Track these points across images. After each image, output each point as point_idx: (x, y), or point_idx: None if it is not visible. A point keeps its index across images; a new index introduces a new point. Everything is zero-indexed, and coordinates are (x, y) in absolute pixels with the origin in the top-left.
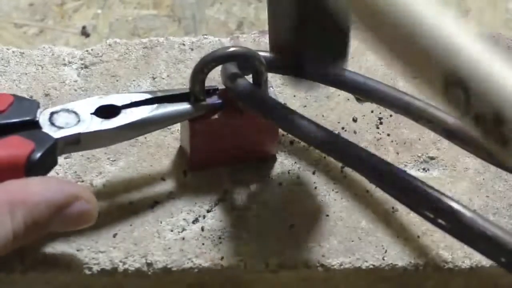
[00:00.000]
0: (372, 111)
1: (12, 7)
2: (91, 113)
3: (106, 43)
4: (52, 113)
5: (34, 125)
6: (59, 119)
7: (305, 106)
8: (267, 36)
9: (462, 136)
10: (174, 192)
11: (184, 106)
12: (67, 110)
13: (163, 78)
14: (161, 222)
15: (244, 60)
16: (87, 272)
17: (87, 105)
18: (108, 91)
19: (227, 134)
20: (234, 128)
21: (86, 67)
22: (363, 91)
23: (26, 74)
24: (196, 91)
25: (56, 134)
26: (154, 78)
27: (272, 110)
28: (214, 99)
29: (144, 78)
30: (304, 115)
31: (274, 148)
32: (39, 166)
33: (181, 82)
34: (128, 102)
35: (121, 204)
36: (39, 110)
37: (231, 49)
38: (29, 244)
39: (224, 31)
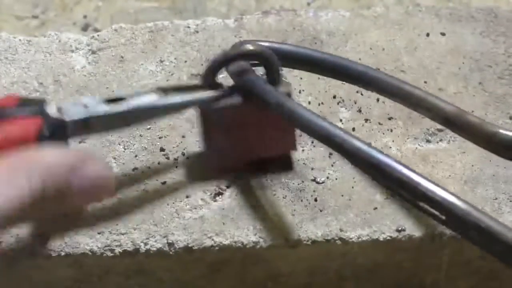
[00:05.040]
0: None
1: (13, 0)
2: (99, 103)
3: (112, 28)
4: (59, 106)
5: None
6: (67, 108)
7: (310, 83)
8: (270, 17)
9: (460, 124)
10: (190, 173)
11: (194, 93)
12: (74, 104)
13: (171, 61)
14: (180, 202)
15: (257, 58)
16: (109, 254)
17: (94, 99)
18: (117, 75)
19: (241, 124)
20: (247, 118)
21: (93, 52)
22: (363, 81)
23: (34, 61)
24: (207, 86)
25: (65, 117)
26: (161, 61)
27: (282, 108)
28: (225, 88)
29: (152, 62)
30: (308, 109)
31: (293, 145)
32: (50, 142)
33: (189, 64)
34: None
35: (138, 187)
36: (46, 104)
37: (246, 48)
38: (53, 228)
39: None
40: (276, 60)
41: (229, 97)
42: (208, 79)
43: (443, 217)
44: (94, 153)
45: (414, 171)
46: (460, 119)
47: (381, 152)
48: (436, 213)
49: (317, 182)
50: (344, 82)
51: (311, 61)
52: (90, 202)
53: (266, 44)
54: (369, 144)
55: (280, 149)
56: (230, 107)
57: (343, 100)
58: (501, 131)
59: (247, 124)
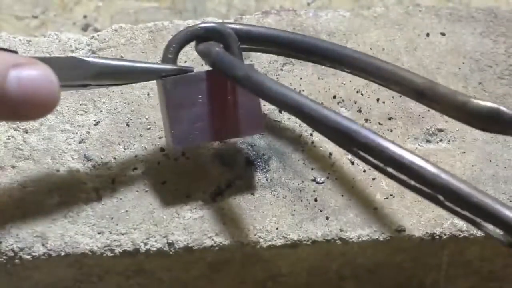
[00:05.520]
0: (379, 87)
1: (13, 0)
2: None
3: (112, 28)
4: None
5: None
6: None
7: (310, 83)
8: (270, 17)
9: (432, 96)
10: (190, 173)
11: (156, 64)
12: None
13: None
14: (180, 202)
15: (213, 35)
16: (109, 254)
17: None
18: None
19: (204, 102)
20: (211, 95)
21: (93, 52)
22: (332, 58)
23: None
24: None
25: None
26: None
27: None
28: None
29: (152, 62)
30: (276, 81)
31: (260, 125)
32: None
33: (189, 64)
34: None
35: (138, 187)
36: None
37: (201, 25)
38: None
39: None
40: (234, 37)
41: (192, 73)
42: (168, 59)
43: (411, 182)
44: (39, 61)
45: (381, 136)
46: (432, 90)
47: (349, 119)
48: (405, 178)
49: (317, 182)
50: (344, 82)
51: (278, 41)
52: (32, 109)
53: (231, 25)
54: (336, 113)
55: (247, 130)
56: (192, 81)
57: (343, 100)
58: (472, 100)
59: (211, 101)
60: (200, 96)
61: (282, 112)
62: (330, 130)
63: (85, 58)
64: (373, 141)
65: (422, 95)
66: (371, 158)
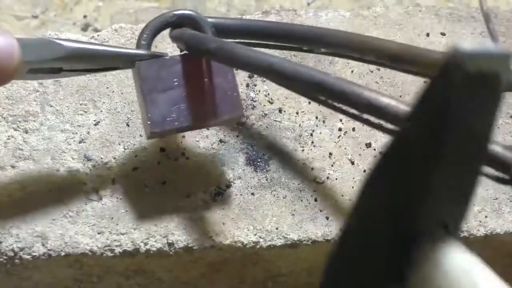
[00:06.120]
0: (379, 83)
1: (13, 0)
2: None
3: (112, 28)
4: None
5: None
6: None
7: None
8: (270, 17)
9: (407, 60)
10: (190, 173)
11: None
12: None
13: None
14: (180, 202)
15: (186, 21)
16: (109, 254)
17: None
18: (117, 75)
19: (180, 79)
20: (187, 78)
21: None
22: (308, 40)
23: None
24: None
25: None
26: None
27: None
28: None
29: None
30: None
31: (238, 109)
32: None
33: None
34: None
35: (137, 186)
36: None
37: (173, 12)
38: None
39: None
40: (207, 22)
41: (167, 58)
42: (142, 45)
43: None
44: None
45: (357, 85)
46: (405, 54)
47: (321, 72)
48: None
49: (317, 182)
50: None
51: (250, 31)
52: None
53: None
54: (307, 67)
55: (225, 112)
56: (167, 64)
57: None
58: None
59: (186, 85)
60: (175, 80)
61: (282, 112)
62: (305, 85)
63: (56, 40)
64: (347, 88)
65: (396, 59)
66: (346, 107)
